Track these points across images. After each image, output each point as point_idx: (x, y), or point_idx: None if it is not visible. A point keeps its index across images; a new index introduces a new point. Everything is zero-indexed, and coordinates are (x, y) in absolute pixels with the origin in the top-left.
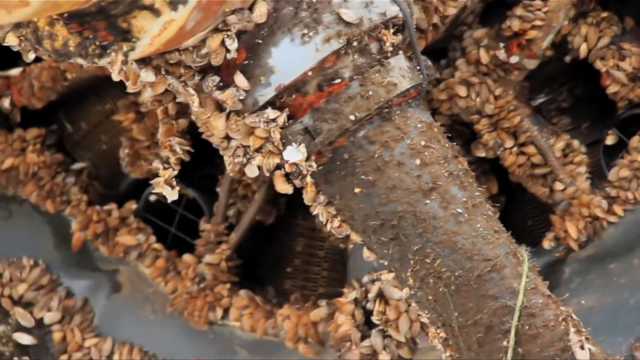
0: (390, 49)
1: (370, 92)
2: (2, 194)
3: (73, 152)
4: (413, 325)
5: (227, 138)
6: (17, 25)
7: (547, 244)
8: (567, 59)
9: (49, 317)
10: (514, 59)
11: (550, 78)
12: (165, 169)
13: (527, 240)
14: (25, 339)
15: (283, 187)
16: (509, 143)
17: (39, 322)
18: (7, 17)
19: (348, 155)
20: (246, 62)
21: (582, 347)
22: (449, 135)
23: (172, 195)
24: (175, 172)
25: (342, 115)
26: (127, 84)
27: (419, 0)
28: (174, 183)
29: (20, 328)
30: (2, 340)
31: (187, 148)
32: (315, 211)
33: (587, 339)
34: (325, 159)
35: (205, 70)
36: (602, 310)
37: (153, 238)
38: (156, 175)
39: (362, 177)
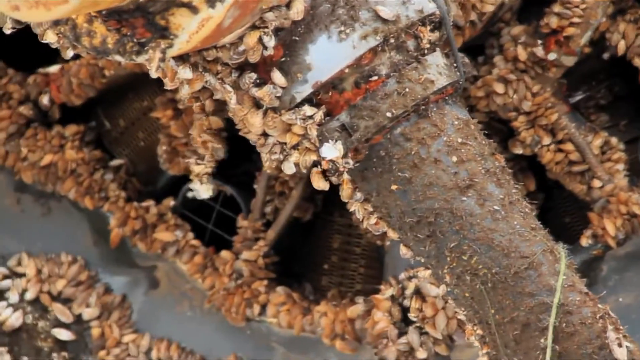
0: (427, 46)
1: (407, 89)
2: (41, 190)
3: (111, 149)
4: (450, 323)
5: (264, 135)
6: (56, 23)
7: (584, 241)
8: (605, 56)
9: (88, 313)
10: (551, 56)
11: (588, 75)
12: (197, 164)
13: (564, 238)
14: (64, 334)
15: (320, 184)
16: (547, 140)
17: (78, 318)
18: (46, 15)
19: (384, 152)
20: (283, 59)
21: (619, 345)
22: (486, 132)
23: (204, 191)
24: (209, 170)
25: (378, 112)
26: (165, 81)
27: None
28: (205, 180)
29: (59, 324)
30: (41, 336)
31: (218, 146)
32: (352, 208)
33: (624, 336)
34: (362, 156)
35: (243, 68)
36: None
37: (191, 234)
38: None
39: (399, 174)
